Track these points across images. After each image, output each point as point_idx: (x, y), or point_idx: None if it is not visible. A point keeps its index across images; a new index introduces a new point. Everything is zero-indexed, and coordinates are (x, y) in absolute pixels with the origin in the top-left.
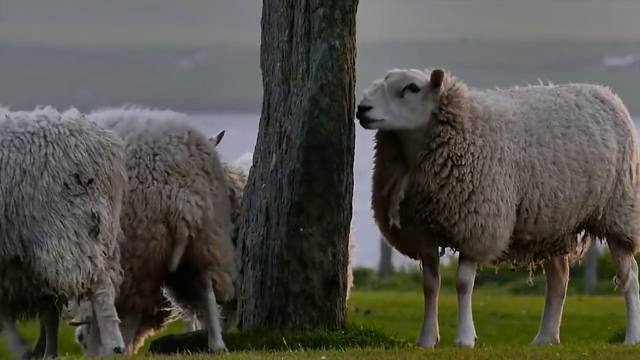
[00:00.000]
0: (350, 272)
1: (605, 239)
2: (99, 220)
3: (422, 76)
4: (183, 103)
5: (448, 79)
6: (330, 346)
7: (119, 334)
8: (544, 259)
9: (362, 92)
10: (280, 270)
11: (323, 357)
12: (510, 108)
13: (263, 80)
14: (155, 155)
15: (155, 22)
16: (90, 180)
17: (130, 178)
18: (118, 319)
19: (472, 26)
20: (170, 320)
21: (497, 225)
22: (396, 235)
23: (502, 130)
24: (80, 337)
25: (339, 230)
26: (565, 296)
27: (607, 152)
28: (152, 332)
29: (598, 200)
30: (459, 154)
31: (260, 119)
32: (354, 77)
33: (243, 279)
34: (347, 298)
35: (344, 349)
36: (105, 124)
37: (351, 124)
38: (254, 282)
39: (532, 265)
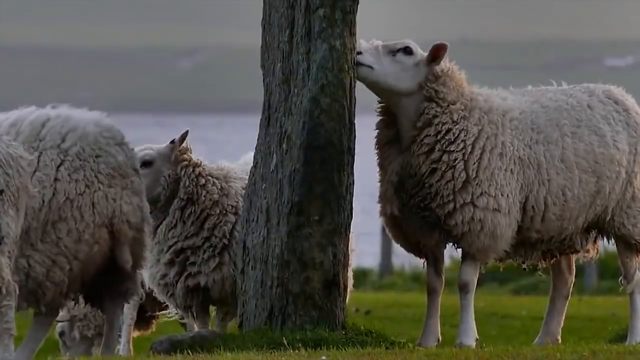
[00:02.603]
0: (350, 274)
1: (613, 240)
2: (5, 233)
3: (420, 50)
4: (183, 103)
5: (448, 64)
6: (331, 346)
7: (12, 347)
8: (553, 258)
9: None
10: (280, 271)
11: (323, 357)
12: (517, 106)
13: (263, 81)
14: (97, 157)
15: (155, 22)
16: (1, 192)
17: (76, 181)
18: (15, 333)
19: (472, 26)
20: (166, 319)
21: (497, 222)
22: (398, 230)
23: (504, 125)
24: (62, 333)
25: (340, 230)
26: (569, 297)
27: (617, 154)
28: (135, 334)
29: (606, 201)
30: (447, 138)
31: (261, 119)
32: (354, 77)
33: (243, 279)
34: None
35: (345, 349)
36: (30, 124)
37: (352, 124)
38: (255, 282)
39: (541, 264)
